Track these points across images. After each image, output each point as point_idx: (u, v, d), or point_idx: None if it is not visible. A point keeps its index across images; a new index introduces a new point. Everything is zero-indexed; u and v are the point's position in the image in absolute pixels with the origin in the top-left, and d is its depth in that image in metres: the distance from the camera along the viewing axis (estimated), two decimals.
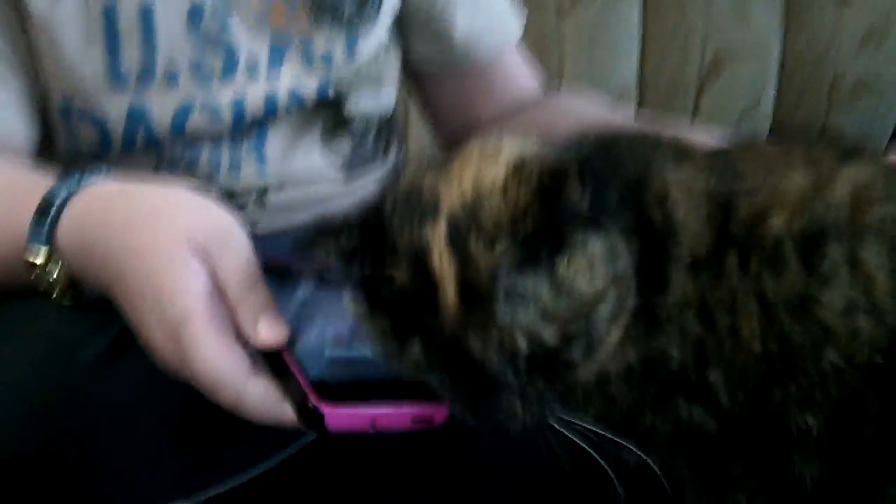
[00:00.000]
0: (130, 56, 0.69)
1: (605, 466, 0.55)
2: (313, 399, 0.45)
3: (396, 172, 0.75)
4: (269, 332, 0.49)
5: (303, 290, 0.55)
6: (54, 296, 0.58)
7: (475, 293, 0.48)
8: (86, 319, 0.58)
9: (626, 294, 0.51)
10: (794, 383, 0.54)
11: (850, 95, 1.45)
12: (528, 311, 0.49)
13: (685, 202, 0.54)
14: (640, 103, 1.36)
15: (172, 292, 0.50)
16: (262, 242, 0.55)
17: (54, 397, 0.54)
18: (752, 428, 0.55)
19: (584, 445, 0.54)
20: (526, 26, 1.27)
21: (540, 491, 0.69)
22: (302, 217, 0.78)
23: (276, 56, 0.73)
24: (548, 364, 0.50)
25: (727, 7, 1.36)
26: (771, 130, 1.44)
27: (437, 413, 0.47)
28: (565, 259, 0.49)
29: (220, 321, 0.50)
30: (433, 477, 0.69)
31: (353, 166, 0.82)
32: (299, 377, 0.47)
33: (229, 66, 0.72)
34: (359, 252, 0.49)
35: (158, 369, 0.54)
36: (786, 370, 0.54)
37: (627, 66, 1.34)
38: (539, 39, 1.29)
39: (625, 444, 0.55)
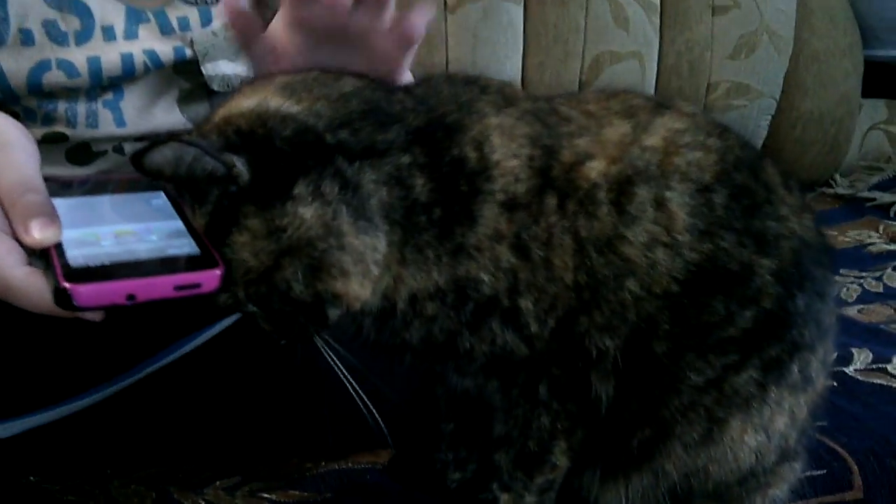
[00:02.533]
0: None
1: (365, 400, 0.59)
2: (61, 279, 0.49)
3: None
4: (38, 231, 0.51)
5: (88, 197, 0.59)
6: None
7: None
8: None
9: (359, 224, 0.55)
10: (598, 311, 0.59)
11: (725, 98, 1.54)
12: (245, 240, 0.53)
13: (504, 146, 0.59)
14: None
15: None
16: None
17: None
18: (558, 352, 0.60)
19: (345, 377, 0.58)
20: None
21: None
22: None
23: (132, 23, 0.77)
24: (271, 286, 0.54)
25: (606, 11, 1.45)
26: None
27: (205, 280, 0.50)
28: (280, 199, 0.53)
29: None
30: None
31: None
32: (55, 262, 0.50)
33: (86, 30, 0.75)
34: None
35: None
36: (592, 300, 0.59)
37: (511, 63, 1.40)
38: (426, 36, 1.35)
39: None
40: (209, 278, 0.51)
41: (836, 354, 0.71)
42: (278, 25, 0.67)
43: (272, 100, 0.56)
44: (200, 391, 0.78)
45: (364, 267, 0.55)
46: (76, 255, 0.51)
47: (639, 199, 0.59)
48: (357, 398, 0.59)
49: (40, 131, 0.78)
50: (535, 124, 0.60)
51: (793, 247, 0.61)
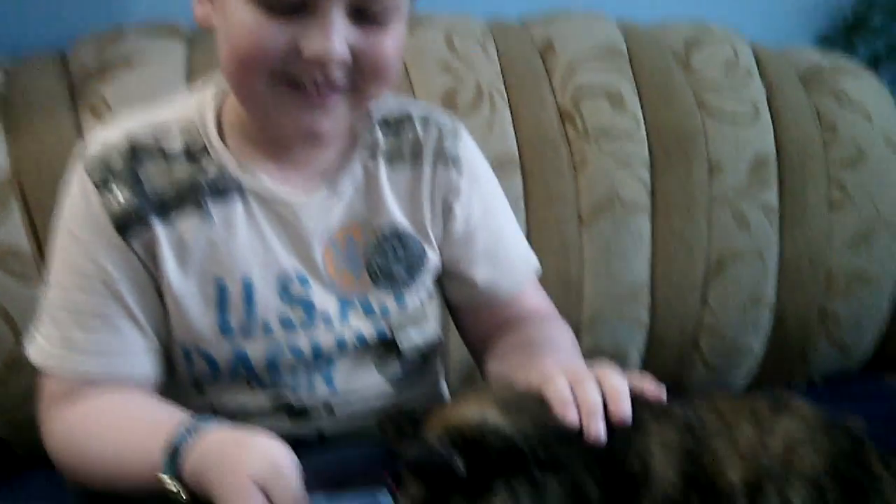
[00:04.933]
0: (236, 316, 0.95)
1: None
2: None
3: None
4: None
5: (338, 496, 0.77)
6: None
7: None
8: None
9: None
10: None
11: (845, 288, 1.64)
12: None
13: (663, 457, 0.74)
14: (653, 298, 1.58)
15: None
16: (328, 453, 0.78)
17: None
18: None
19: None
20: (551, 237, 1.52)
21: None
22: (363, 423, 1.02)
23: (344, 310, 0.98)
24: None
25: (728, 215, 1.59)
26: (773, 319, 1.64)
27: None
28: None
29: None
30: None
31: (402, 384, 1.06)
32: None
33: (309, 319, 0.97)
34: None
35: None
36: None
37: (640, 267, 1.56)
38: (562, 248, 1.52)
39: None
40: None
41: None
42: None
43: (490, 414, 0.73)
44: None
45: None
46: None
47: (769, 501, 0.73)
48: None
49: (270, 399, 0.99)
50: (686, 435, 0.75)
51: None
